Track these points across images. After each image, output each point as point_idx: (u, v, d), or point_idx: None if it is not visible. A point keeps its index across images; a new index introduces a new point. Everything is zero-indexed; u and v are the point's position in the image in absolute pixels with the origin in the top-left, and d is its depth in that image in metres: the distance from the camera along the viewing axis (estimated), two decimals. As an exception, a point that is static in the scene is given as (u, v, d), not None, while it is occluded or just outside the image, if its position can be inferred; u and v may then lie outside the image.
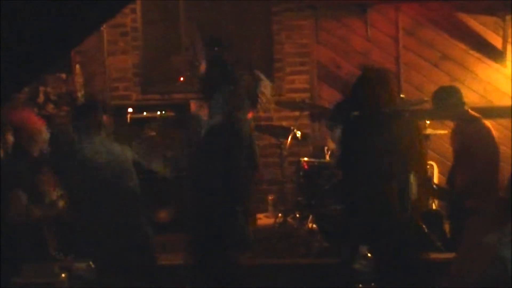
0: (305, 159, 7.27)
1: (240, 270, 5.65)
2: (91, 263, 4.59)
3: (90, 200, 5.52)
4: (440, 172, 7.81)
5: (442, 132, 7.58)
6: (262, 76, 6.65)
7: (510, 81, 8.62)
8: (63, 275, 4.52)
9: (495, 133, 6.64)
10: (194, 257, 5.59)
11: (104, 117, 6.74)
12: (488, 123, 6.65)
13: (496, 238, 2.05)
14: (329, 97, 8.51)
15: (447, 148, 7.52)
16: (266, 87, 6.57)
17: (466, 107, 6.57)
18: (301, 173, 7.17)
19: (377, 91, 5.06)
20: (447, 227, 6.64)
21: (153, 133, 7.43)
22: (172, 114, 7.74)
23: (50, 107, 8.39)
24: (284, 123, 8.20)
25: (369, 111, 5.03)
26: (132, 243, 5.60)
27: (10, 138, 5.09)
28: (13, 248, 4.61)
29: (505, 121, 8.52)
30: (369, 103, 5.07)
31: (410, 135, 5.08)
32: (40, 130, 5.21)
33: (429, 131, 7.21)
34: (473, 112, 6.63)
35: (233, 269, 5.57)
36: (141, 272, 5.42)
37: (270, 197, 8.26)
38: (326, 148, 7.63)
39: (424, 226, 5.98)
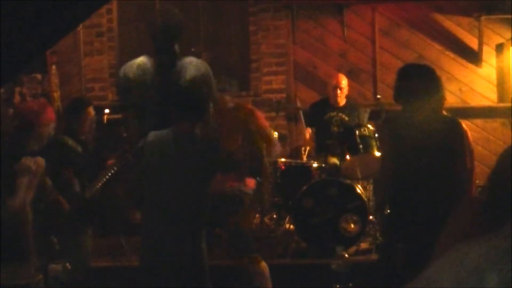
0: (282, 159, 7.27)
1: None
2: (67, 264, 4.52)
3: None
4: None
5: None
6: None
7: (485, 81, 8.69)
8: (39, 276, 4.46)
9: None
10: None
11: (91, 111, 6.51)
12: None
13: None
14: (306, 97, 8.52)
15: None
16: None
17: None
18: (278, 174, 7.17)
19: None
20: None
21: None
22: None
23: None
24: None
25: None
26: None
27: None
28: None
29: (480, 122, 8.58)
30: None
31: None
32: (49, 124, 5.06)
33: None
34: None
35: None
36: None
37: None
38: (303, 148, 7.63)
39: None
